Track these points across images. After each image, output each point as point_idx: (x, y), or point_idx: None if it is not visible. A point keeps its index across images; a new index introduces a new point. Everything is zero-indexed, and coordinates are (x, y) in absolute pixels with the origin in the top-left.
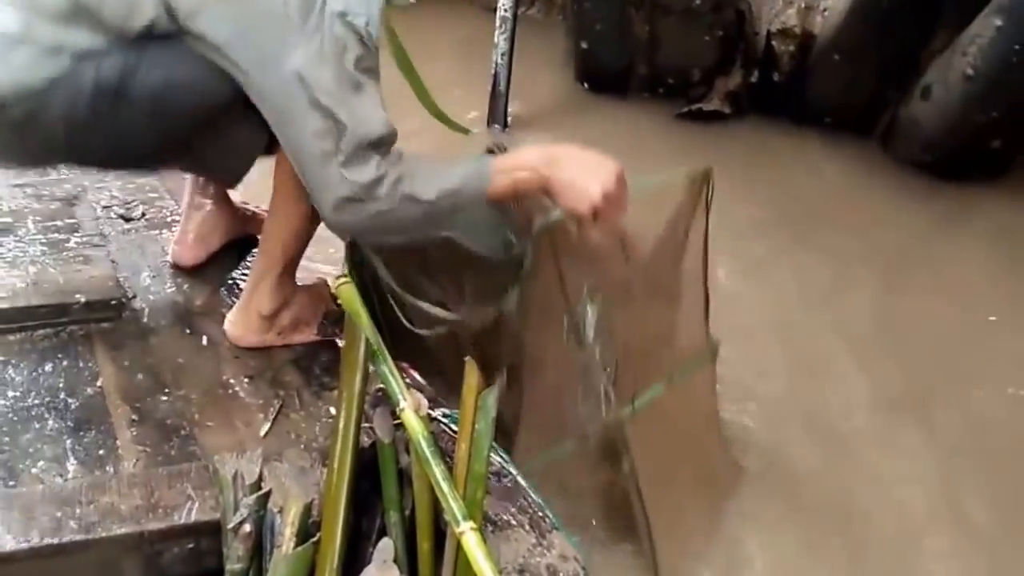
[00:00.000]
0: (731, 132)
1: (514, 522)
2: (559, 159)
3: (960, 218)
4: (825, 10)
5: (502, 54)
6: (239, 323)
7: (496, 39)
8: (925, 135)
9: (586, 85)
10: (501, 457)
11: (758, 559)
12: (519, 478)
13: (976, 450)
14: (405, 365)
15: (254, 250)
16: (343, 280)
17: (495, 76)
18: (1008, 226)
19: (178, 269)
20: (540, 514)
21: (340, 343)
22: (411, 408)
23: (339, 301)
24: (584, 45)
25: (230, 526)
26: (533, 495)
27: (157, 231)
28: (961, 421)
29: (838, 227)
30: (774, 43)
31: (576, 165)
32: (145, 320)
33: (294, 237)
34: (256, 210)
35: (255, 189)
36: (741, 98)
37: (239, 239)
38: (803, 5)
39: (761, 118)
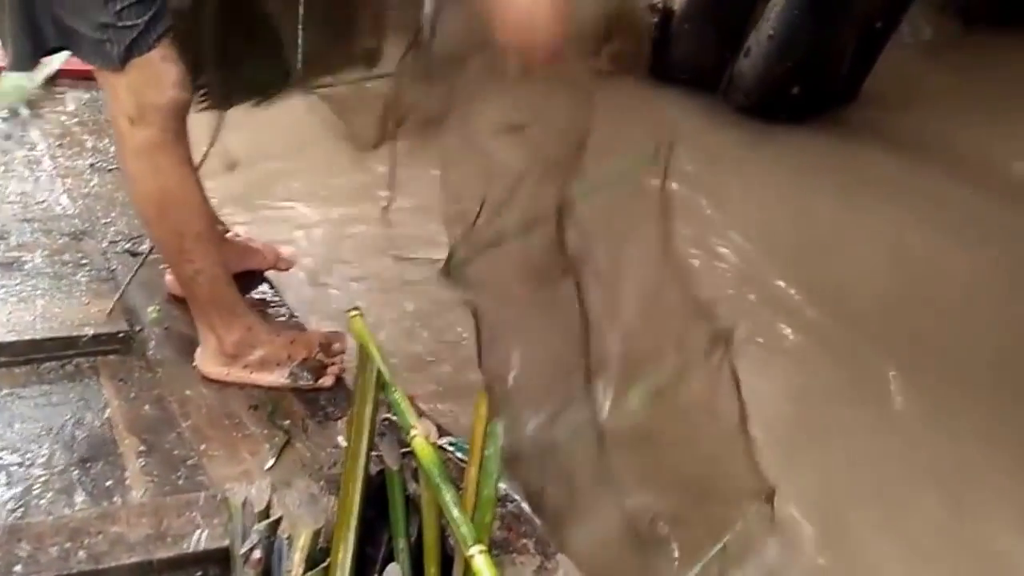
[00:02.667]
0: (613, 88)
1: (520, 546)
2: None
3: (763, 148)
4: None
5: None
6: (202, 354)
7: None
8: (746, 85)
9: None
10: (505, 483)
11: None
12: (523, 504)
13: None
14: (414, 395)
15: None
16: (355, 313)
17: None
18: (800, 154)
19: (180, 300)
20: (545, 538)
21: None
22: (422, 435)
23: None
24: None
25: (240, 552)
26: (537, 519)
27: (163, 265)
28: None
29: (714, 181)
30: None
31: None
32: (152, 352)
33: (183, 253)
34: (259, 245)
35: None
36: (621, 60)
37: (241, 273)
38: None
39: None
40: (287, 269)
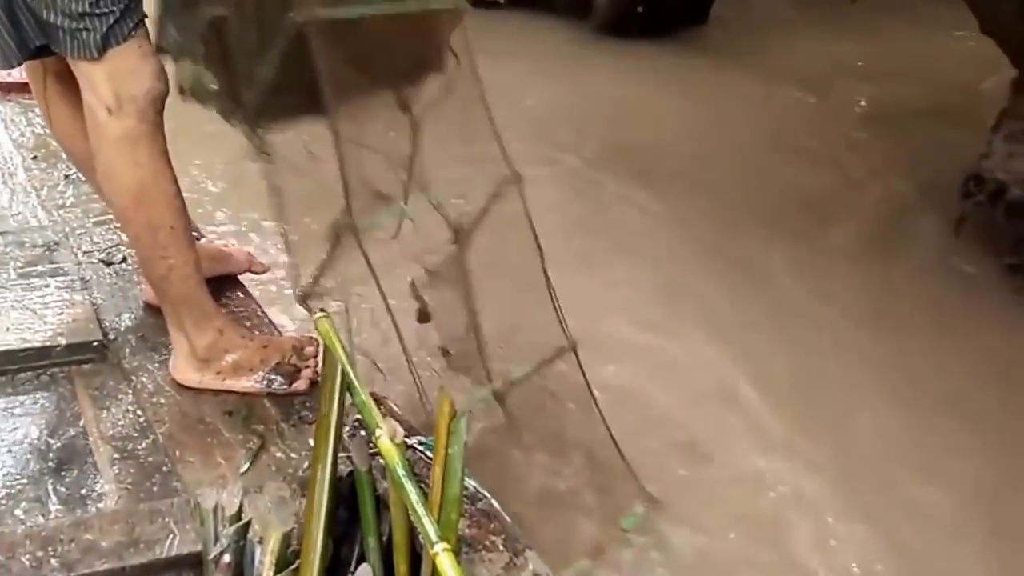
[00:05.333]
0: (501, 16)
1: (488, 543)
2: None
3: (598, 56)
4: None
5: None
6: (175, 362)
7: None
8: (602, 8)
9: None
10: (475, 482)
11: None
12: (493, 502)
13: None
14: (382, 396)
15: (236, 289)
16: (321, 315)
17: None
18: (634, 61)
19: (155, 309)
20: (514, 535)
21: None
22: (387, 435)
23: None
24: None
25: (211, 557)
26: (507, 517)
27: (137, 275)
28: None
29: (549, 82)
30: None
31: None
32: (126, 361)
33: (159, 254)
34: (233, 249)
35: None
36: None
37: (216, 278)
38: None
39: (523, 9)
40: (261, 272)
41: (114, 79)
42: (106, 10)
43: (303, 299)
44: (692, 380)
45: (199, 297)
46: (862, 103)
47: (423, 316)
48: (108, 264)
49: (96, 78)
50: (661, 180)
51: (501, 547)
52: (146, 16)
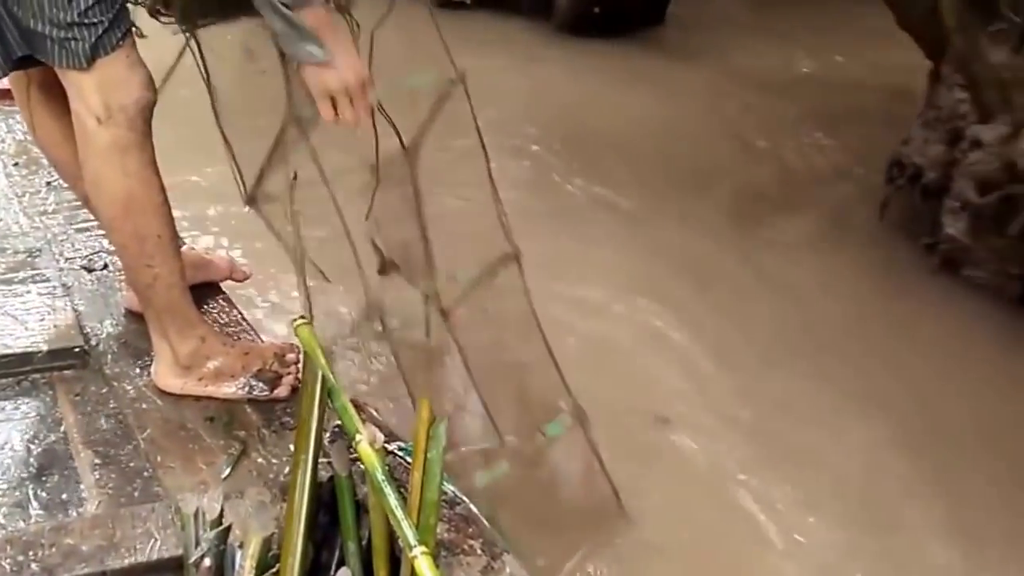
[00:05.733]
0: (467, 16)
1: (467, 547)
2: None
3: (557, 54)
4: None
5: None
6: (157, 367)
7: None
8: (562, 8)
9: None
10: (453, 487)
11: None
12: (471, 506)
13: None
14: (362, 402)
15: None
16: (301, 321)
17: None
18: (595, 59)
19: (137, 315)
20: (492, 539)
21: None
22: (367, 441)
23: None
24: None
25: (191, 561)
26: (486, 521)
27: (120, 281)
28: None
29: (511, 77)
30: None
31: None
32: (107, 366)
33: (144, 258)
34: (214, 257)
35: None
36: None
37: (197, 285)
38: None
39: (488, 9)
40: (243, 280)
41: (103, 89)
42: (95, 20)
43: (251, 200)
44: (643, 357)
45: (182, 305)
46: (813, 103)
47: (384, 268)
48: (90, 271)
49: (85, 88)
50: (617, 172)
51: (479, 551)
52: (134, 25)
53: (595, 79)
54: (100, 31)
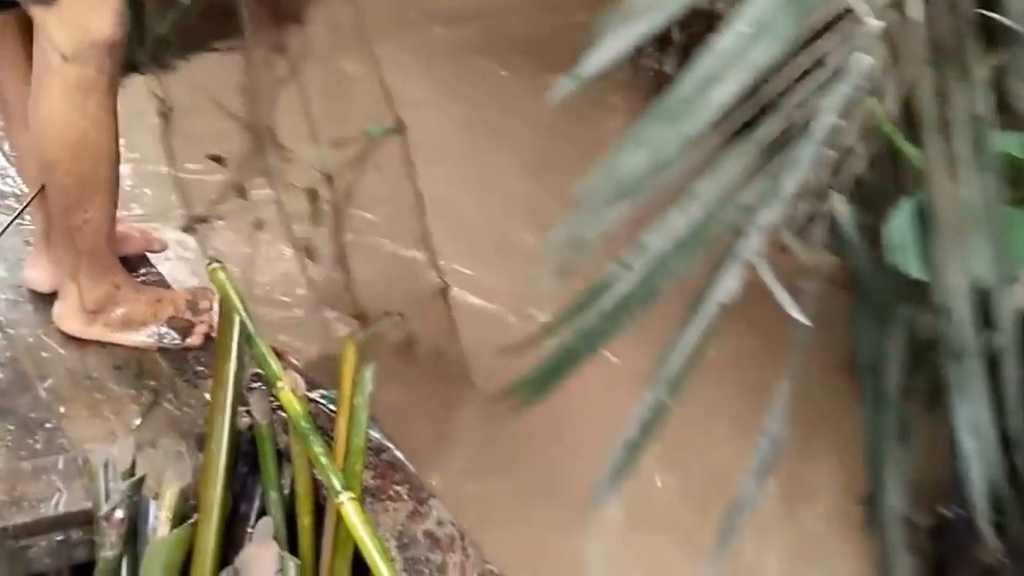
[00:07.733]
0: None
1: (393, 493)
2: None
3: None
4: None
5: None
6: (60, 310)
7: None
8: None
9: None
10: (379, 432)
11: None
12: (397, 452)
13: None
14: (283, 349)
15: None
16: (215, 265)
17: None
18: None
19: (37, 295)
20: (419, 484)
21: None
22: (288, 388)
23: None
24: None
25: (101, 513)
26: (411, 467)
27: (17, 223)
28: None
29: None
30: None
31: None
32: (3, 314)
33: (75, 202)
34: (130, 229)
35: None
36: None
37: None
38: None
39: None
40: (160, 251)
41: (72, 24)
42: None
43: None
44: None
45: (104, 251)
46: None
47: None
48: None
49: (49, 24)
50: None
51: (406, 496)
52: None
53: None
54: None
